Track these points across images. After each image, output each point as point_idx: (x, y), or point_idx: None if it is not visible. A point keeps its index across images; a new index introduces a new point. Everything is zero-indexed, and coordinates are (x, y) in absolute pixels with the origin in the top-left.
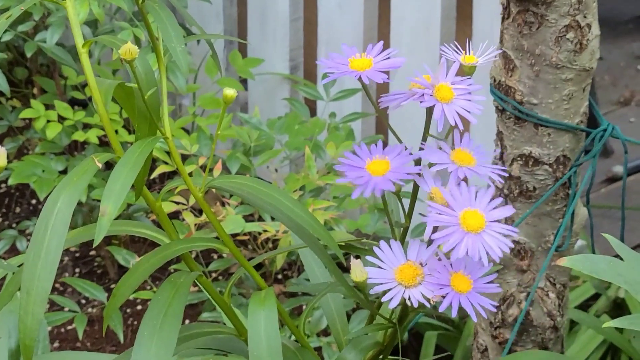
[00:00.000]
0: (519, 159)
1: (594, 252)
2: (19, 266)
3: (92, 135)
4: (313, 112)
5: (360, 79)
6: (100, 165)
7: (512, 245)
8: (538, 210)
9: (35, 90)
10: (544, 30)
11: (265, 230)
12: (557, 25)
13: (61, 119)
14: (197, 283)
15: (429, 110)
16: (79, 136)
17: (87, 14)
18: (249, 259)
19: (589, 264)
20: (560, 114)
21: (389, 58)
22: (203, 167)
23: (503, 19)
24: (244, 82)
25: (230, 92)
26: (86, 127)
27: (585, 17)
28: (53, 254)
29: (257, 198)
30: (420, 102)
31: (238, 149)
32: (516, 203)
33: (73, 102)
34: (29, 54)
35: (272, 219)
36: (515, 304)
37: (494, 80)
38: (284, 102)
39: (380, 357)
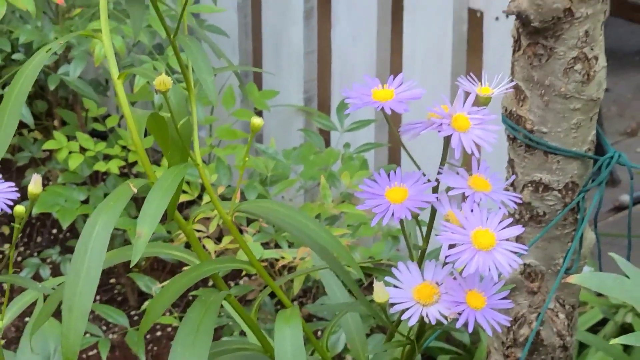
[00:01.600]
0: (529, 185)
1: None
2: (53, 289)
3: (113, 166)
4: (327, 143)
5: (382, 109)
6: (135, 190)
7: (522, 262)
8: (548, 235)
9: (55, 123)
10: (553, 62)
11: (282, 257)
12: (566, 57)
13: (82, 150)
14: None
15: (447, 139)
16: (100, 167)
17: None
18: (265, 286)
19: (597, 281)
20: (569, 142)
21: (409, 90)
22: (221, 196)
23: (514, 52)
24: (259, 113)
25: (257, 120)
26: (107, 158)
27: (592, 49)
28: (93, 273)
29: (283, 221)
30: (439, 131)
31: (255, 178)
32: (527, 227)
33: (94, 134)
34: (51, 87)
35: (290, 246)
36: (526, 324)
37: (506, 110)
38: (299, 133)
39: None
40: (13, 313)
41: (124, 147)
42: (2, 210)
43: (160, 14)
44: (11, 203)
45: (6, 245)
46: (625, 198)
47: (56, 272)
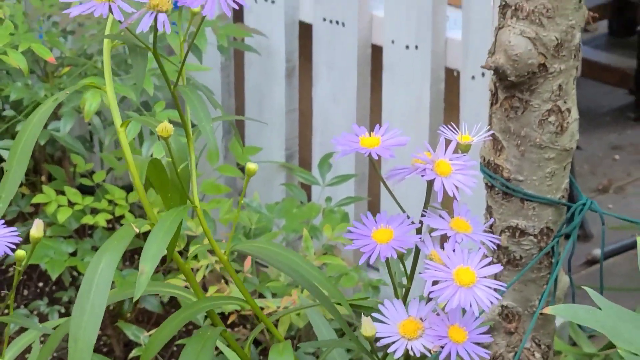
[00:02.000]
0: (506, 230)
1: None
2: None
3: (101, 219)
4: (309, 197)
5: (369, 155)
6: (137, 230)
7: (500, 298)
8: (524, 277)
9: (43, 178)
10: (528, 115)
11: (267, 306)
12: (540, 109)
13: (71, 204)
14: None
15: (430, 183)
16: (88, 220)
17: (98, 104)
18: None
19: (571, 312)
20: (544, 190)
21: (394, 137)
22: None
23: (491, 105)
24: (242, 169)
25: (252, 165)
26: (94, 211)
27: (565, 102)
28: (98, 307)
29: (277, 260)
30: (422, 175)
31: (239, 231)
32: (504, 271)
33: (81, 189)
34: (42, 142)
35: (273, 296)
36: None
37: (484, 160)
38: (281, 188)
39: None
40: (13, 353)
41: (110, 202)
42: (4, 253)
43: (162, 66)
44: (13, 246)
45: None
46: (597, 252)
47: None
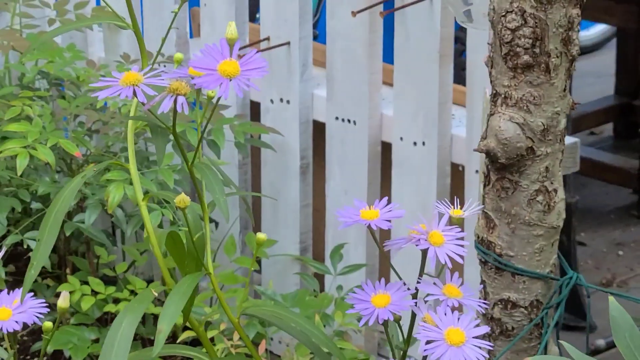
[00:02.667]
0: (499, 303)
1: None
2: None
3: (122, 308)
4: (322, 286)
5: (369, 226)
6: (156, 294)
7: (488, 356)
8: (516, 347)
9: (68, 271)
10: (518, 194)
11: None
12: (529, 190)
13: (94, 293)
14: None
15: (424, 252)
16: (110, 308)
17: (121, 196)
18: None
19: None
20: (533, 265)
21: (391, 211)
22: (223, 333)
23: (484, 186)
24: (258, 262)
25: (262, 235)
26: (116, 301)
27: (552, 183)
28: None
29: (284, 323)
30: (417, 245)
31: (255, 319)
32: (497, 341)
33: (104, 279)
34: (67, 233)
35: None
36: None
37: (478, 237)
38: (295, 280)
39: None
40: None
41: (132, 292)
42: (33, 323)
43: (180, 144)
44: (42, 316)
45: None
46: (601, 342)
47: None
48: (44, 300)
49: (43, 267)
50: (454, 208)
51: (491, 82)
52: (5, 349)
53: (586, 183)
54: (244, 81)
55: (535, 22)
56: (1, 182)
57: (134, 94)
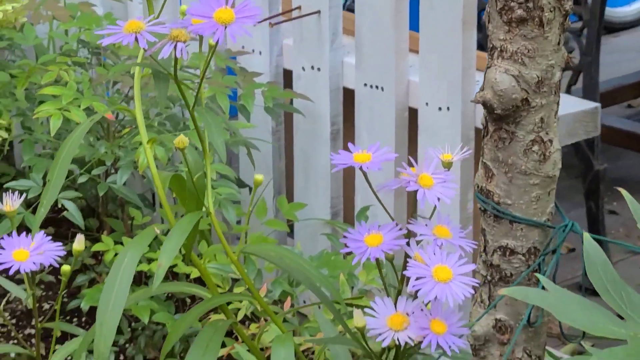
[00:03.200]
0: (498, 250)
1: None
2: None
3: (154, 267)
4: None
5: (361, 168)
6: (158, 232)
7: (473, 292)
8: None
9: (104, 233)
10: (514, 145)
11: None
12: (525, 140)
13: None
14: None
15: (414, 194)
16: (143, 267)
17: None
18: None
19: (523, 293)
20: (530, 213)
21: (384, 154)
22: (248, 290)
23: (483, 136)
24: (290, 227)
25: (259, 177)
26: (149, 260)
27: (547, 133)
28: (121, 295)
29: (283, 262)
30: (406, 187)
31: (283, 277)
32: (497, 287)
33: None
34: (100, 193)
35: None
36: None
37: (477, 187)
38: (326, 244)
39: None
40: (59, 359)
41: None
42: (50, 265)
43: (182, 91)
44: (59, 259)
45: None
46: None
47: None
48: (60, 244)
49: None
50: (444, 152)
51: (488, 36)
52: (25, 290)
53: (621, 154)
54: (238, 28)
55: None
56: (39, 143)
57: (136, 40)
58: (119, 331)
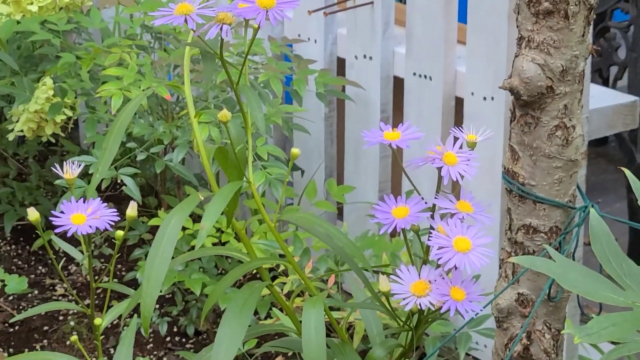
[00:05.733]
0: (522, 228)
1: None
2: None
3: (208, 242)
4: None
5: (390, 145)
6: (202, 198)
7: (489, 261)
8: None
9: (162, 209)
10: (539, 129)
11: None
12: (549, 125)
13: (183, 229)
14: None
15: (439, 170)
16: (188, 231)
17: (207, 136)
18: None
19: (530, 261)
20: (553, 194)
21: (412, 133)
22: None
23: (511, 121)
24: (340, 209)
25: (295, 150)
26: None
27: (570, 120)
28: (167, 253)
29: (313, 228)
30: (432, 163)
31: (330, 254)
32: None
33: (192, 216)
34: (158, 170)
35: None
36: (519, 343)
37: (504, 168)
38: (375, 227)
39: (403, 358)
40: (112, 316)
41: (218, 229)
42: (105, 229)
43: (227, 69)
44: (112, 223)
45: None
46: None
47: None
48: (115, 210)
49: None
50: (468, 133)
51: (517, 27)
52: (80, 251)
53: None
54: (279, 12)
55: None
56: (102, 122)
57: (185, 21)
58: (173, 302)
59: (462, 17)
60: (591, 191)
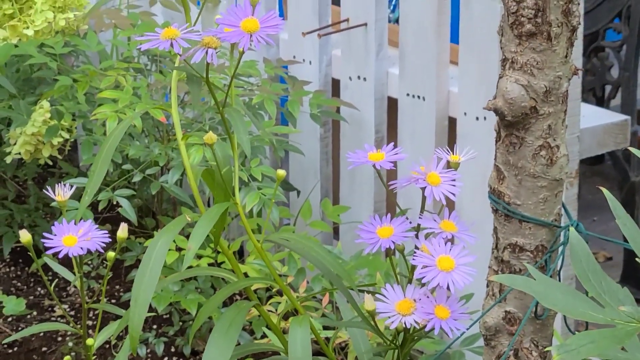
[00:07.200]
0: (508, 247)
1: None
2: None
3: (203, 263)
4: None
5: (374, 166)
6: (190, 219)
7: (472, 280)
8: None
9: (158, 230)
10: (524, 149)
11: (339, 337)
12: (533, 145)
13: (178, 249)
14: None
15: (423, 190)
16: (193, 263)
17: (201, 157)
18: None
19: (511, 280)
20: (538, 213)
21: (396, 154)
22: (289, 285)
23: (496, 142)
24: (336, 229)
25: (281, 172)
26: (199, 257)
27: (554, 140)
28: (154, 274)
29: (303, 250)
30: (416, 184)
31: (320, 275)
32: None
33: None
34: (153, 192)
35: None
36: None
37: (490, 188)
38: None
39: None
40: (105, 336)
41: (214, 250)
42: (96, 250)
43: (213, 93)
44: (104, 244)
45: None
46: None
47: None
48: (106, 232)
49: (132, 225)
50: (452, 154)
51: (501, 48)
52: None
53: None
54: (263, 36)
55: None
56: (98, 144)
57: (171, 45)
58: (170, 323)
59: (454, 37)
60: (587, 209)
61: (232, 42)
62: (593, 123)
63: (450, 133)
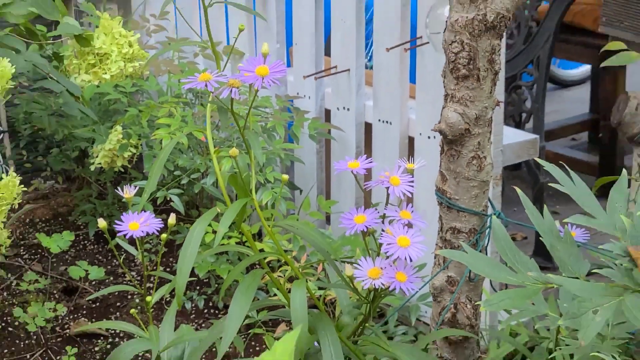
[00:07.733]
0: (449, 230)
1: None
2: None
3: (232, 242)
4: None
5: (352, 172)
6: (219, 211)
7: (423, 254)
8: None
9: None
10: (460, 159)
11: (330, 294)
12: (467, 156)
13: (214, 232)
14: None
15: (388, 189)
16: (224, 241)
17: (230, 167)
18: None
19: (450, 253)
20: (471, 205)
21: (369, 162)
22: (294, 258)
23: (441, 153)
24: (327, 218)
25: (284, 177)
26: (229, 237)
27: (482, 152)
28: (193, 250)
29: (302, 232)
30: (382, 184)
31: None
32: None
33: None
34: (196, 191)
35: None
36: (448, 311)
37: (437, 187)
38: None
39: (364, 323)
40: (159, 295)
41: (240, 232)
42: (153, 232)
43: (235, 117)
44: (159, 229)
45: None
46: None
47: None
48: (161, 220)
49: (181, 215)
50: (409, 163)
51: (444, 87)
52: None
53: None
54: (272, 79)
55: (470, 48)
56: (156, 157)
57: (205, 86)
58: (208, 285)
59: (412, 78)
60: (509, 203)
61: (249, 83)
62: (512, 140)
63: (410, 148)
